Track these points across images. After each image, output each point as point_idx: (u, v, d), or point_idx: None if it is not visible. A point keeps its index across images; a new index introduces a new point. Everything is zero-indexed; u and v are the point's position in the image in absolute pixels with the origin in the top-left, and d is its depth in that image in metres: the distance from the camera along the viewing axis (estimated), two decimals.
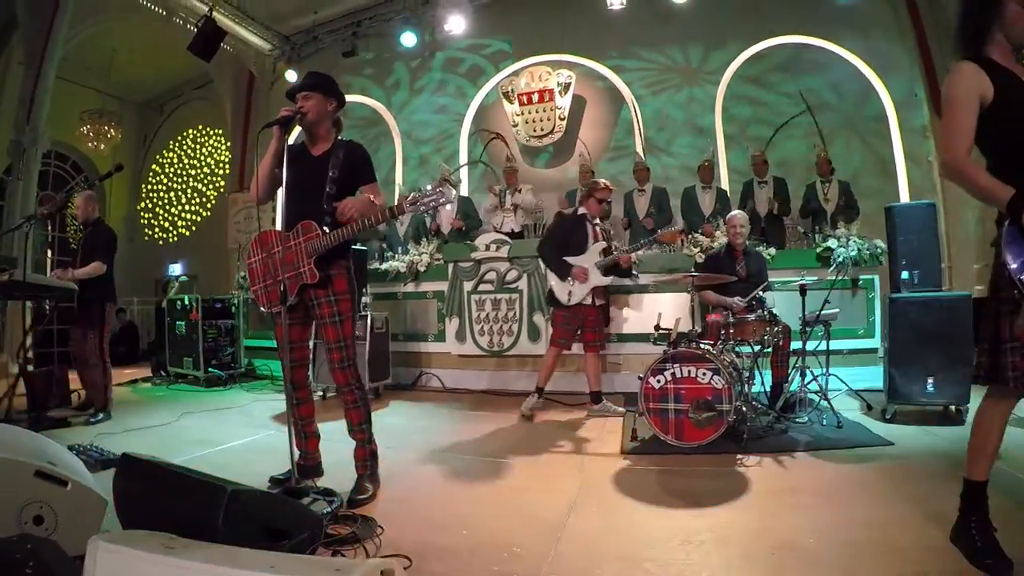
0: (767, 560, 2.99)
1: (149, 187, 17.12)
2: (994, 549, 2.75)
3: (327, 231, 3.94)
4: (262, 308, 4.26)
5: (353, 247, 4.31)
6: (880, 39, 10.27)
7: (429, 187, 3.90)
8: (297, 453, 4.22)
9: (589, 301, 6.57)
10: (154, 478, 3.03)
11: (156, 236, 16.77)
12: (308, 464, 4.39)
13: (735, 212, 6.97)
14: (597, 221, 6.82)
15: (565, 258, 6.60)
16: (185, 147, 16.60)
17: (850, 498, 3.81)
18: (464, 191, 11.42)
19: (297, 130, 4.35)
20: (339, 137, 4.35)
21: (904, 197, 9.81)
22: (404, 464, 4.88)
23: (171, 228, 16.63)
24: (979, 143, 2.76)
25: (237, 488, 2.73)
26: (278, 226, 4.65)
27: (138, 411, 7.32)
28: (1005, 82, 2.70)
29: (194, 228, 16.24)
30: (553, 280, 6.71)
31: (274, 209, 10.66)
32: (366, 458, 4.19)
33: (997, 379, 2.81)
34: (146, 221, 17.05)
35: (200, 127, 16.29)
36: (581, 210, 6.87)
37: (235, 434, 6.06)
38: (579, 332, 6.74)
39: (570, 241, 6.71)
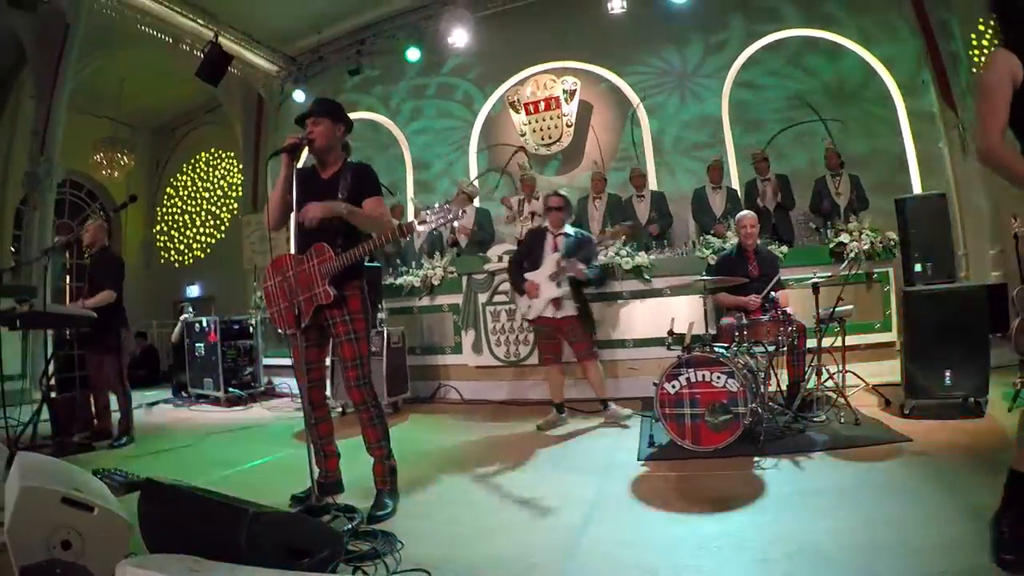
0: (783, 565, 2.98)
1: (164, 210, 17.31)
2: (1018, 545, 2.69)
3: (339, 252, 3.99)
4: (279, 330, 4.32)
5: (367, 264, 4.34)
6: (883, 27, 10.27)
7: (436, 205, 3.93)
8: (317, 471, 4.27)
9: (550, 313, 6.52)
10: (177, 502, 3.09)
11: (172, 259, 16.93)
12: (328, 482, 4.42)
13: (744, 212, 6.91)
14: (566, 230, 6.75)
15: (525, 274, 6.62)
16: (199, 170, 16.81)
17: (868, 498, 3.80)
18: (477, 202, 11.47)
19: (307, 152, 4.40)
20: (348, 160, 4.40)
21: (916, 186, 9.79)
22: (424, 478, 4.90)
23: (187, 251, 16.82)
24: (1012, 127, 2.72)
25: (258, 510, 2.77)
26: (292, 248, 4.69)
27: (161, 433, 7.41)
28: None
29: (208, 251, 16.42)
30: (518, 296, 6.77)
31: (289, 229, 10.73)
32: (385, 474, 4.22)
33: None
34: (162, 243, 17.24)
35: (213, 150, 16.49)
36: (544, 223, 6.88)
37: (256, 453, 6.12)
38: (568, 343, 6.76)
39: (528, 256, 6.73)
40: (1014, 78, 2.65)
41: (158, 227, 17.34)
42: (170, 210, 17.20)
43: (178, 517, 3.02)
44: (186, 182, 16.99)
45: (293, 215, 4.19)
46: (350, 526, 3.62)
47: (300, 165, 4.29)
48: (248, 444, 6.71)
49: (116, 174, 14.97)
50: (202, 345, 10.00)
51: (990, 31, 9.69)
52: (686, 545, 3.30)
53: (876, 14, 10.24)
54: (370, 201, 4.19)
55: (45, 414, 6.28)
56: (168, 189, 17.24)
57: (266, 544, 2.73)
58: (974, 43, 9.88)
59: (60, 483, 2.95)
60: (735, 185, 10.29)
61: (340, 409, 7.77)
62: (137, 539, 3.08)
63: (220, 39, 11.65)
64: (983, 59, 9.75)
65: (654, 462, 5.00)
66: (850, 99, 10.46)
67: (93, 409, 7.01)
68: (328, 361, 4.61)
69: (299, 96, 13.27)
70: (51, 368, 6.76)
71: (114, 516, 2.99)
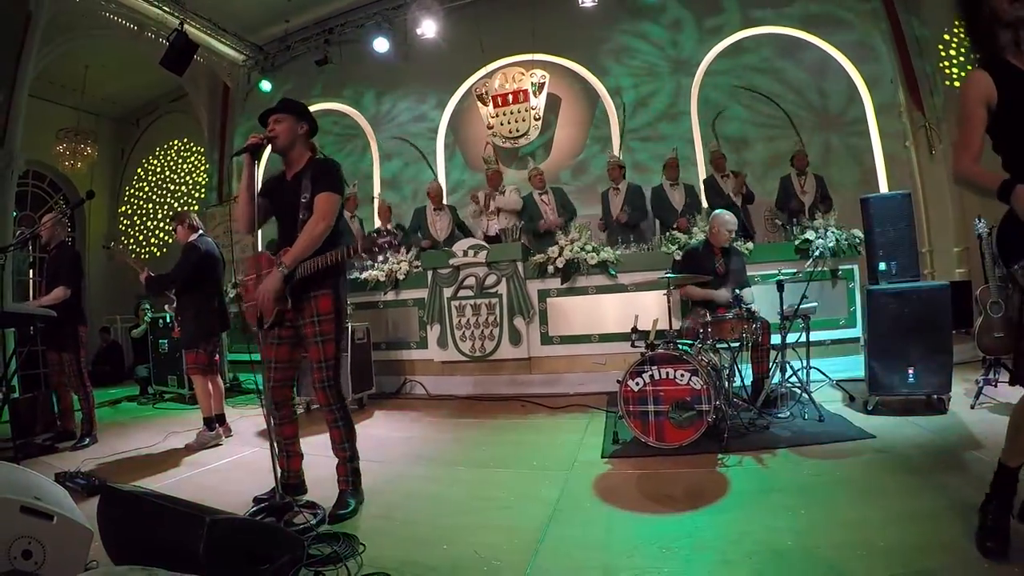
0: (745, 565, 3.00)
1: (129, 193, 16.84)
2: (999, 533, 2.82)
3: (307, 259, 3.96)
4: (251, 325, 4.25)
5: None
6: (854, 26, 10.34)
7: (386, 228, 3.88)
8: (280, 471, 4.24)
9: None
10: (135, 509, 3.04)
11: (135, 252, 16.47)
12: (291, 483, 4.40)
13: (724, 212, 6.81)
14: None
15: None
16: (168, 159, 16.32)
17: (831, 497, 3.82)
18: (446, 199, 11.46)
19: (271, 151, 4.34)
20: (311, 157, 4.31)
21: (882, 184, 9.89)
22: (387, 477, 4.87)
23: (147, 244, 16.36)
24: (996, 146, 2.84)
25: (215, 517, 2.73)
26: (260, 246, 4.58)
27: (124, 433, 7.27)
28: (1010, 83, 2.72)
29: (165, 249, 15.78)
30: None
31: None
32: (348, 474, 4.19)
33: None
34: (124, 228, 16.80)
35: (184, 140, 15.98)
36: None
37: (220, 453, 6.07)
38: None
39: None
40: (988, 101, 2.74)
41: (123, 208, 16.82)
42: (135, 197, 16.74)
43: (136, 524, 2.98)
44: (154, 167, 16.51)
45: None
46: (313, 521, 3.65)
47: (263, 165, 4.24)
48: None
49: (79, 165, 14.65)
50: (166, 341, 9.88)
51: (961, 29, 9.81)
52: (649, 546, 3.29)
53: (845, 13, 10.30)
54: (320, 197, 4.05)
55: (5, 415, 6.17)
56: (138, 171, 16.74)
57: (225, 551, 2.70)
58: (944, 42, 10.03)
59: (19, 491, 2.90)
60: (703, 179, 10.29)
61: (304, 407, 7.71)
62: (99, 546, 3.04)
63: (186, 27, 11.50)
64: (950, 61, 9.95)
65: (618, 459, 4.99)
66: (818, 97, 10.51)
67: (56, 409, 6.91)
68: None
69: (266, 86, 13.17)
70: (12, 367, 6.64)
71: (74, 524, 2.94)
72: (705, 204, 9.19)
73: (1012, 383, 2.95)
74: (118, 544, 3.04)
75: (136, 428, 7.68)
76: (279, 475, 4.01)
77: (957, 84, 9.94)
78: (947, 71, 10.08)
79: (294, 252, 3.91)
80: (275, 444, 3.99)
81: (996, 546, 2.78)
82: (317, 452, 4.57)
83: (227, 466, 5.61)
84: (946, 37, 10.06)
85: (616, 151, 10.86)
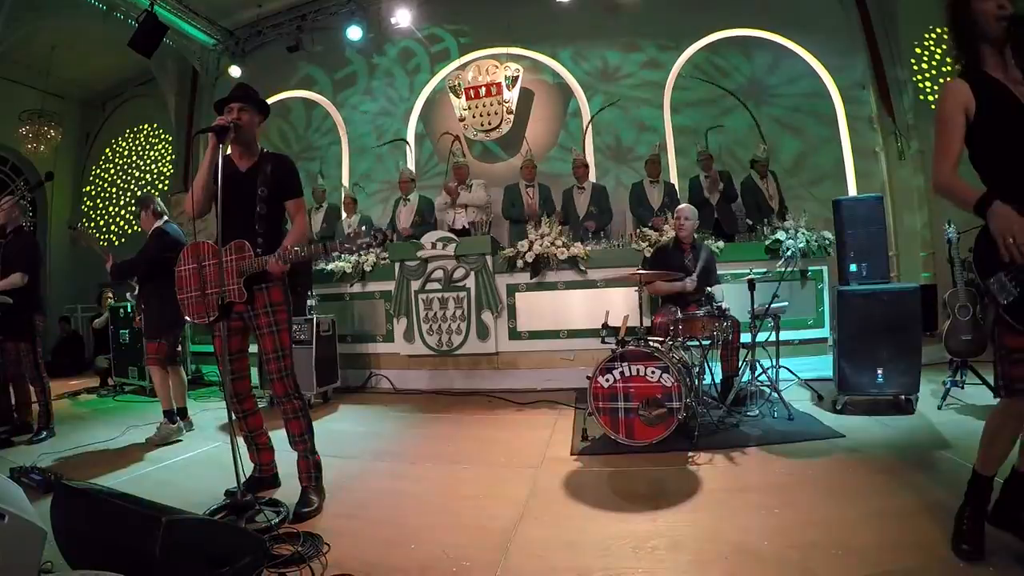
0: (720, 565, 2.97)
1: (94, 176, 16.42)
2: (975, 537, 2.88)
3: (259, 253, 3.91)
4: (187, 317, 4.16)
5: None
6: (828, 32, 10.38)
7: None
8: (252, 466, 4.25)
9: None
10: (90, 508, 2.95)
11: (98, 237, 16.17)
12: (264, 476, 4.36)
13: (683, 205, 6.95)
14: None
15: None
16: (136, 144, 15.90)
17: (803, 495, 3.81)
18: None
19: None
20: (263, 149, 4.26)
21: (852, 189, 9.96)
22: (352, 474, 4.79)
23: (107, 231, 15.99)
24: (972, 162, 2.84)
25: (172, 518, 2.63)
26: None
27: (83, 427, 7.11)
28: (990, 96, 2.73)
29: (124, 239, 15.42)
30: None
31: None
32: (309, 469, 4.11)
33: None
34: (87, 210, 16.33)
35: (151, 126, 15.57)
36: None
37: (181, 448, 5.93)
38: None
39: None
40: (966, 109, 2.75)
41: (88, 189, 16.43)
42: (99, 184, 16.34)
43: (90, 524, 2.89)
44: (120, 151, 16.12)
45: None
46: (276, 520, 3.56)
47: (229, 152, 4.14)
48: None
49: (43, 148, 14.33)
50: (127, 332, 9.66)
51: (933, 40, 10.01)
52: (621, 545, 3.25)
53: (821, 18, 10.34)
54: (292, 204, 4.18)
55: None
56: (102, 156, 16.32)
57: (183, 553, 2.62)
58: (916, 55, 10.15)
59: None
60: (673, 179, 10.28)
61: (268, 400, 7.56)
62: (53, 547, 2.93)
63: (156, 8, 11.27)
64: (923, 75, 10.08)
65: (588, 456, 4.96)
66: (790, 100, 10.56)
67: (13, 401, 6.73)
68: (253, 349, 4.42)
69: (235, 71, 12.92)
70: None
71: (27, 524, 2.81)
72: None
73: (996, 396, 2.95)
74: (73, 545, 2.95)
75: (95, 421, 7.51)
76: (251, 470, 4.05)
77: (929, 95, 10.13)
78: (920, 84, 10.22)
79: (292, 249, 3.90)
80: (236, 439, 3.86)
81: (972, 549, 2.82)
82: (281, 447, 4.45)
83: (188, 461, 5.48)
84: (917, 50, 10.18)
85: (588, 150, 10.81)
